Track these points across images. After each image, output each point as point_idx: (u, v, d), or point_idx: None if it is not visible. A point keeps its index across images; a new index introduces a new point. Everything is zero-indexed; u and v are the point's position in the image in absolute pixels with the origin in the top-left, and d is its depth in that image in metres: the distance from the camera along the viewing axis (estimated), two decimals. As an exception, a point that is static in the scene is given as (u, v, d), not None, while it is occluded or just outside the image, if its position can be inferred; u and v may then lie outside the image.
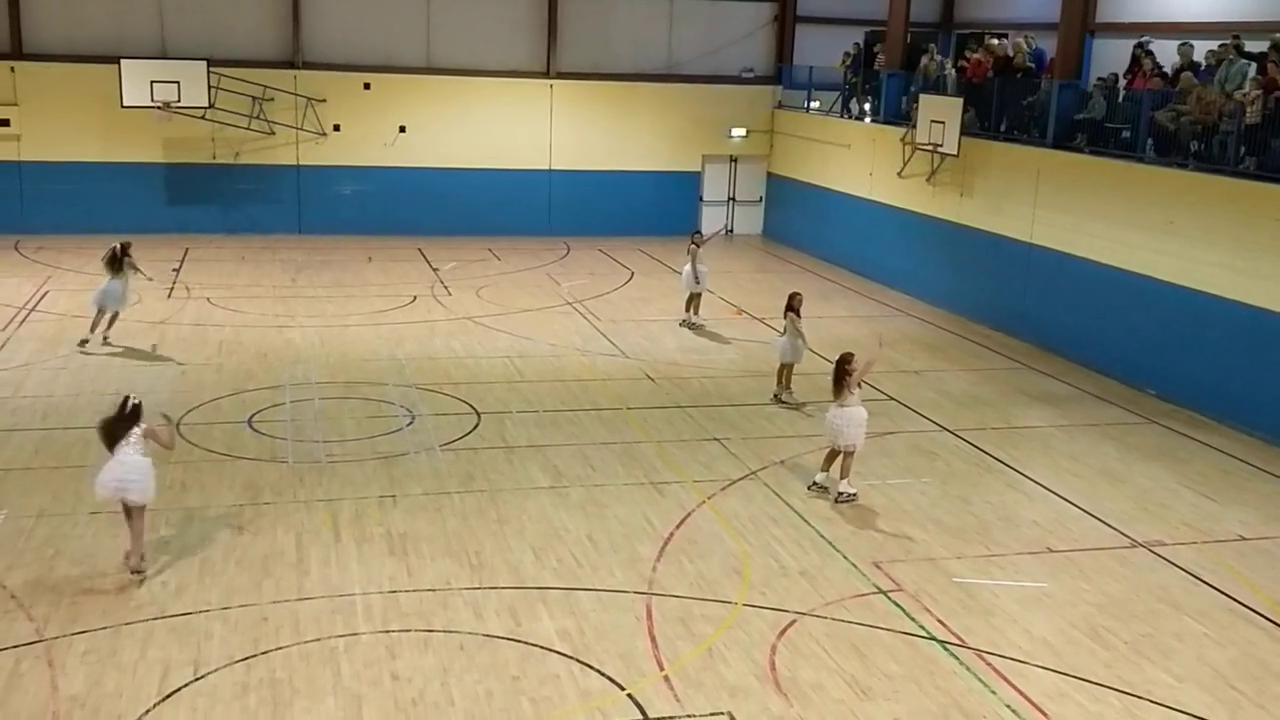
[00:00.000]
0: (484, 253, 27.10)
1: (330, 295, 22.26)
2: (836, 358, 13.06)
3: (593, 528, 12.02)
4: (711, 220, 30.78)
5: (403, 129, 28.72)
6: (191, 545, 11.18)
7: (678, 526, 12.15)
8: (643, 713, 8.73)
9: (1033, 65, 22.84)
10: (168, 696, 8.68)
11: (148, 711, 8.50)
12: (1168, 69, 19.58)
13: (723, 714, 8.74)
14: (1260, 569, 11.77)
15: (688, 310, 20.87)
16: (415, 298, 22.30)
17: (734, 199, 31.52)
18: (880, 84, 26.33)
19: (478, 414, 15.56)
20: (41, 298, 21.10)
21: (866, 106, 27.43)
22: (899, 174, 24.47)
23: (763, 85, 30.99)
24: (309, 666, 9.16)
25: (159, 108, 25.79)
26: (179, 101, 25.93)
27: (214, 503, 12.17)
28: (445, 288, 23.30)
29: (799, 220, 29.60)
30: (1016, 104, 22.09)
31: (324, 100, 28.07)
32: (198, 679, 8.92)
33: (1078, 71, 20.90)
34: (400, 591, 10.45)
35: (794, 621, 10.20)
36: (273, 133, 27.83)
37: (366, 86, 28.30)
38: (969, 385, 18.01)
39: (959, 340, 20.93)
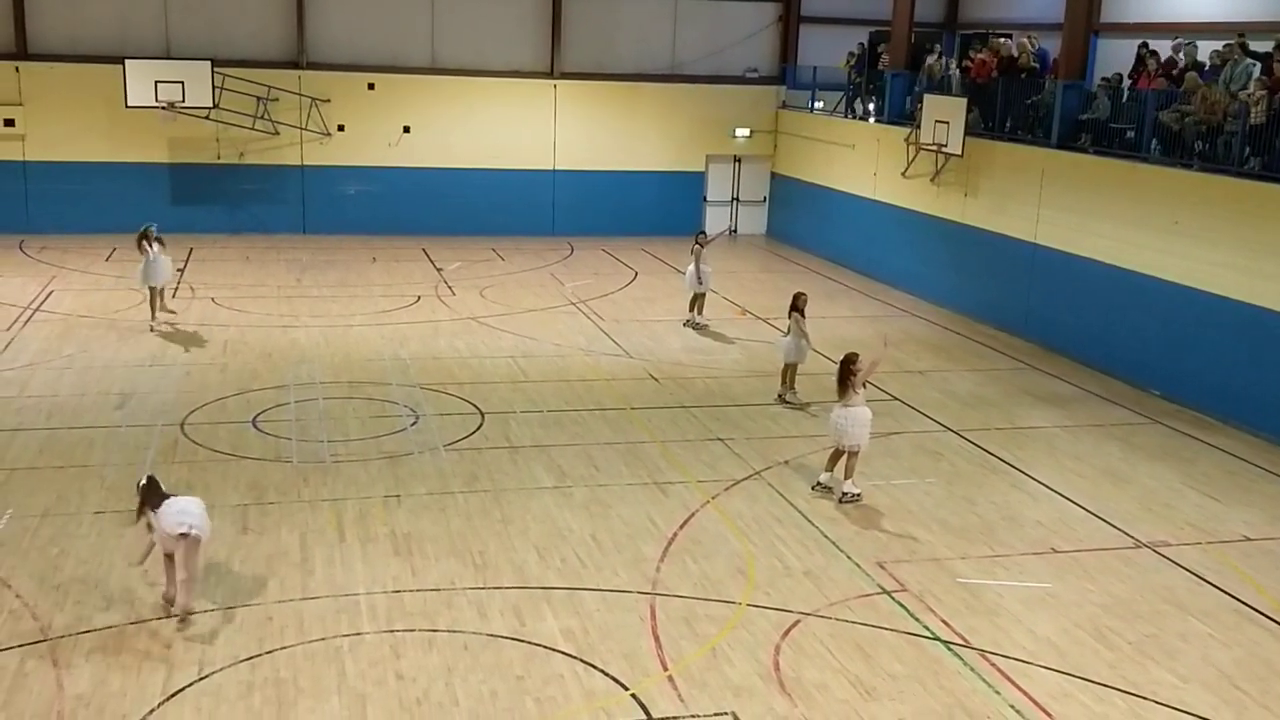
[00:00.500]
0: (488, 253, 27.10)
1: (335, 295, 22.27)
2: (841, 358, 13.04)
3: (597, 528, 12.03)
4: (715, 220, 30.80)
5: (407, 129, 28.74)
6: (196, 545, 11.20)
7: (682, 526, 12.15)
8: (646, 713, 8.73)
9: (1037, 65, 22.80)
10: (172, 696, 8.69)
11: (152, 711, 8.51)
12: (1177, 58, 19.45)
13: (727, 714, 8.74)
14: (1265, 569, 11.75)
15: (692, 310, 20.85)
16: (419, 298, 22.31)
17: (738, 199, 31.50)
18: (884, 84, 26.31)
19: (482, 414, 15.57)
20: (46, 297, 21.12)
21: (871, 106, 27.41)
22: (903, 174, 24.44)
23: (767, 85, 30.97)
24: (313, 666, 9.17)
25: (163, 108, 25.80)
26: (183, 101, 25.94)
27: (219, 502, 12.12)
28: (449, 288, 23.30)
29: (803, 220, 29.59)
30: (1021, 104, 22.05)
31: (328, 100, 28.09)
32: (202, 678, 8.93)
33: (1082, 71, 20.89)
34: (405, 591, 10.45)
35: (798, 622, 10.19)
36: (277, 133, 27.86)
37: (371, 86, 28.31)
38: (973, 385, 17.99)
39: (963, 340, 20.90)
